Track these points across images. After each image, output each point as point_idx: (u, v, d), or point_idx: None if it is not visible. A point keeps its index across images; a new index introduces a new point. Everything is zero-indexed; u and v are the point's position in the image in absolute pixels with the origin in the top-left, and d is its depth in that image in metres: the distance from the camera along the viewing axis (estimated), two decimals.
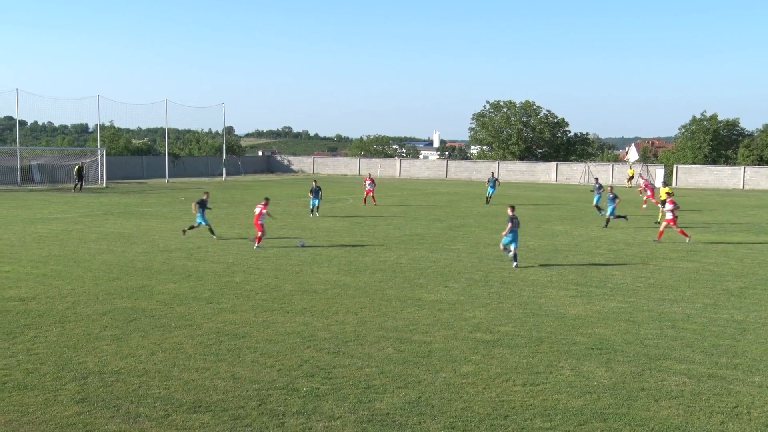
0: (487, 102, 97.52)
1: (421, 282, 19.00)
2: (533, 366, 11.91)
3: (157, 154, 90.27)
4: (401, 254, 23.71)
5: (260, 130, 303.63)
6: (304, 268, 20.77)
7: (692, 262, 22.82)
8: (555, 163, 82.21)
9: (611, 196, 32.19)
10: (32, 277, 18.96)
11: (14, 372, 11.27)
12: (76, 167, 55.14)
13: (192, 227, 27.35)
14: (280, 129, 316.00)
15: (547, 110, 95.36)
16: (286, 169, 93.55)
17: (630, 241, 27.72)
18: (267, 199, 25.49)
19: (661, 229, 27.77)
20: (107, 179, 62.11)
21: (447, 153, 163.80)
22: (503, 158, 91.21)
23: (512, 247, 21.65)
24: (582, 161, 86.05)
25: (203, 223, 26.87)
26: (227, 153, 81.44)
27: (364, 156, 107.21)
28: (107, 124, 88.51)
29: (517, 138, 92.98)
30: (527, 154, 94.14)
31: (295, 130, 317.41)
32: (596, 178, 43.93)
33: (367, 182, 43.12)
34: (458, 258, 23.12)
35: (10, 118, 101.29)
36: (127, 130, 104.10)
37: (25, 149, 67.20)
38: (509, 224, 21.48)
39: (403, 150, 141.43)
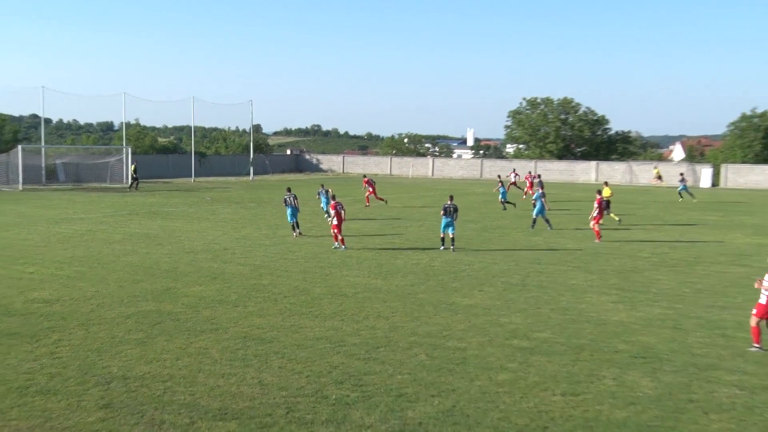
0: (524, 99, 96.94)
1: (455, 286, 18.91)
2: (573, 375, 11.74)
3: (183, 152, 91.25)
4: (434, 257, 23.61)
5: (288, 128, 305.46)
6: (334, 271, 20.78)
7: (743, 267, 22.36)
8: (595, 162, 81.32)
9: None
10: (56, 278, 19.23)
11: (37, 376, 11.40)
12: (132, 166, 57.78)
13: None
14: (309, 127, 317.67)
15: (586, 107, 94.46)
16: (315, 168, 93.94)
17: (675, 244, 27.29)
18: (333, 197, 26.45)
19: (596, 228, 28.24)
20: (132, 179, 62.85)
21: (481, 152, 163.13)
22: (540, 157, 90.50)
23: (450, 233, 24.78)
24: (623, 160, 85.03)
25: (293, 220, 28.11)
26: (255, 152, 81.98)
27: (396, 155, 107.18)
28: (133, 122, 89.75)
29: (555, 136, 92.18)
30: (565, 152, 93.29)
31: (324, 128, 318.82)
32: (681, 173, 54.49)
33: (365, 184, 43.17)
34: (494, 261, 22.96)
35: (35, 116, 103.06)
36: (153, 128, 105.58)
37: (49, 148, 68.38)
38: (442, 212, 24.80)
39: (436, 148, 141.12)
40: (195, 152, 74.85)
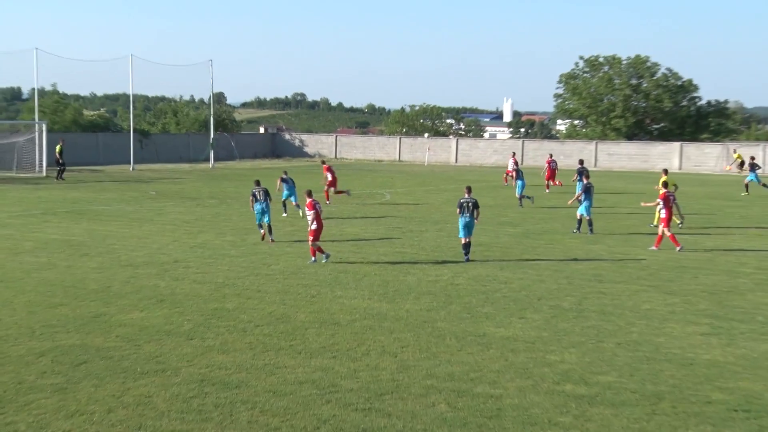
0: (581, 58, 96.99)
1: (486, 311, 18.88)
2: None
3: (119, 130, 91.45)
4: (458, 271, 23.60)
5: (262, 98, 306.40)
6: (323, 291, 20.76)
7: None
8: (678, 143, 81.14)
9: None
10: None
11: None
12: (58, 147, 57.63)
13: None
14: (289, 97, 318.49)
15: (667, 69, 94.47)
16: (298, 152, 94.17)
17: None
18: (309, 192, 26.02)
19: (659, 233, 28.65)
20: (47, 165, 62.89)
21: (522, 130, 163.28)
22: (603, 136, 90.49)
23: (462, 238, 25.58)
24: (719, 141, 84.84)
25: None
26: (216, 130, 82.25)
27: (407, 134, 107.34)
28: (48, 88, 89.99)
29: (624, 108, 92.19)
30: (638, 130, 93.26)
31: (310, 99, 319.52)
32: (752, 157, 53.80)
33: (328, 174, 43.30)
34: (539, 277, 22.93)
35: None
36: (77, 98, 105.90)
37: None
38: (458, 210, 25.71)
39: (462, 125, 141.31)
40: (134, 130, 75.05)
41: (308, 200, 25.19)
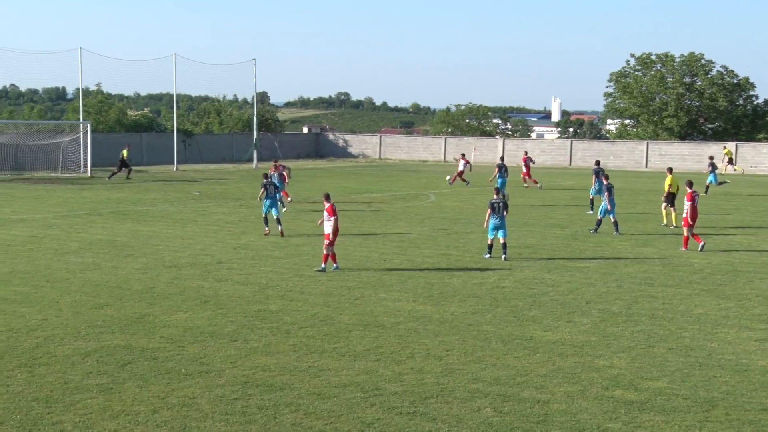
0: (632, 56, 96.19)
1: (533, 314, 18.86)
2: None
3: (162, 130, 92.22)
4: (504, 274, 23.58)
5: (305, 97, 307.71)
6: (367, 293, 20.86)
7: None
8: (734, 143, 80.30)
9: None
10: None
11: None
12: (125, 151, 59.53)
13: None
14: (333, 96, 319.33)
15: (721, 66, 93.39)
16: (342, 153, 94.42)
17: None
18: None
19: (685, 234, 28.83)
20: (93, 165, 63.59)
21: (571, 129, 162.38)
22: (655, 136, 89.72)
23: (500, 237, 26.10)
24: None
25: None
26: (260, 130, 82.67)
27: (452, 134, 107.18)
28: (93, 88, 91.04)
29: (677, 107, 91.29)
30: (691, 130, 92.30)
31: (354, 98, 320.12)
32: (711, 156, 51.32)
33: (275, 173, 39.42)
34: (588, 280, 22.84)
35: None
36: (121, 97, 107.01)
37: None
38: (489, 210, 26.28)
39: (508, 125, 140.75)
40: (178, 130, 75.64)
41: (327, 204, 23.99)
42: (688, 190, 28.93)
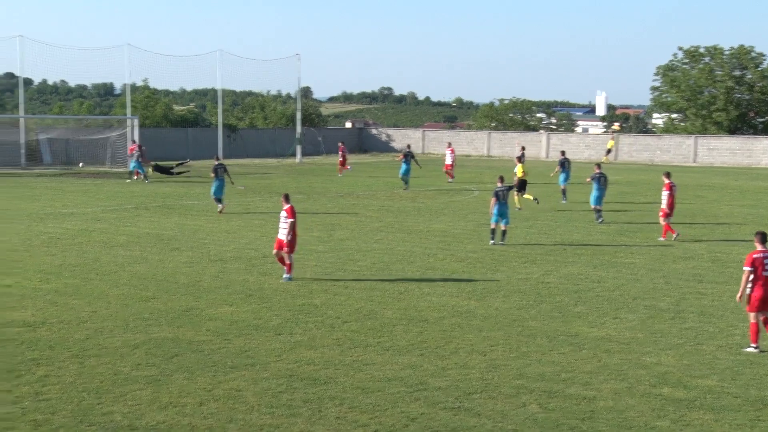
0: (680, 49, 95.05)
1: (578, 310, 18.79)
2: None
3: (207, 125, 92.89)
4: (549, 269, 23.49)
5: (348, 92, 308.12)
6: (410, 288, 20.90)
7: None
8: None
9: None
10: (41, 294, 19.95)
11: (18, 424, 11.86)
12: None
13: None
14: (376, 91, 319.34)
15: None
16: (385, 147, 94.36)
17: None
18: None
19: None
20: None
21: (617, 124, 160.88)
22: (703, 131, 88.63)
23: (502, 224, 27.67)
24: None
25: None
26: (304, 124, 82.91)
27: (496, 128, 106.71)
28: (140, 83, 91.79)
29: (726, 101, 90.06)
30: (741, 124, 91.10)
31: (397, 93, 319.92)
32: (563, 152, 46.70)
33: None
34: (634, 276, 22.68)
35: (11, 76, 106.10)
36: (167, 92, 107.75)
37: (30, 118, 70.23)
38: (493, 198, 27.51)
39: (553, 120, 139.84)
40: (223, 125, 76.08)
41: (287, 206, 22.10)
42: (666, 181, 29.56)
